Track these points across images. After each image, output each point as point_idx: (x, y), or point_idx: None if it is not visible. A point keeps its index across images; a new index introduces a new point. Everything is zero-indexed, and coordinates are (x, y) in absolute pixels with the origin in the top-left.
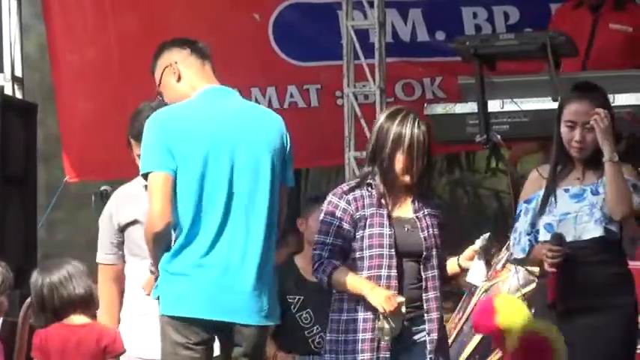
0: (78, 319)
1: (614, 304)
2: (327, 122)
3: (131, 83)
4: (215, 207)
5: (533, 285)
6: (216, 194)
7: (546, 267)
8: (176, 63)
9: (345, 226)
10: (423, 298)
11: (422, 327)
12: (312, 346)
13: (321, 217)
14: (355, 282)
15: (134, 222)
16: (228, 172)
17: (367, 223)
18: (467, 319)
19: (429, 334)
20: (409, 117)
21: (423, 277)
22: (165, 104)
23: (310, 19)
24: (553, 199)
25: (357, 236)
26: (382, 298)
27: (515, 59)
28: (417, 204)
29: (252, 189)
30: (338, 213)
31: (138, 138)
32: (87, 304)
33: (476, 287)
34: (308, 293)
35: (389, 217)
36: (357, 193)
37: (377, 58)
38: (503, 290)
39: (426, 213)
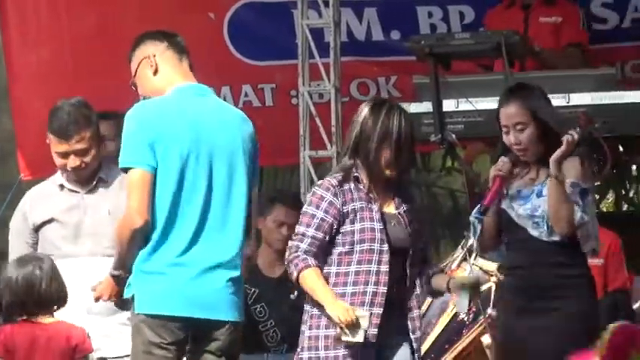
0: (45, 316)
1: (558, 307)
2: (282, 121)
3: (85, 82)
4: (193, 206)
5: (490, 284)
6: (195, 193)
7: (493, 173)
8: (154, 56)
9: (329, 219)
10: (407, 295)
11: (405, 324)
12: (265, 341)
13: (304, 209)
14: (320, 291)
15: (50, 220)
16: (207, 172)
17: (357, 217)
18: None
19: (412, 332)
20: (394, 110)
21: (408, 273)
22: (83, 103)
23: (265, 18)
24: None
25: (344, 230)
26: (340, 310)
27: (470, 59)
28: (397, 200)
29: (229, 189)
30: (323, 205)
31: (56, 134)
32: (61, 302)
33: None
34: (264, 288)
35: (380, 211)
36: (345, 186)
37: (332, 57)
38: None
39: (405, 209)
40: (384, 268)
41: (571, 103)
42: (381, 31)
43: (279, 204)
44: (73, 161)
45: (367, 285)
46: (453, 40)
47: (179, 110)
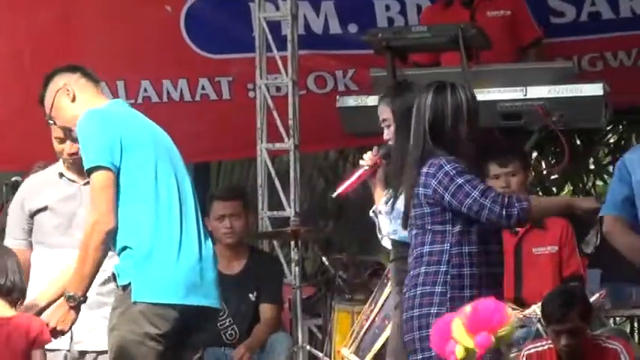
0: (5, 309)
1: None
2: (239, 114)
3: (43, 78)
4: (172, 207)
5: None
6: (170, 195)
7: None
8: (69, 84)
9: None
10: None
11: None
12: (225, 338)
13: (461, 180)
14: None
15: (44, 208)
16: (173, 172)
17: None
18: (379, 311)
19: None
20: (457, 87)
21: None
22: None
23: (222, 11)
24: None
25: None
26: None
27: (427, 51)
28: None
29: (188, 188)
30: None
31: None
32: (21, 294)
33: (388, 279)
34: (222, 286)
35: None
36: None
37: (289, 50)
38: None
39: None
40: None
41: (528, 97)
42: (338, 24)
43: (216, 200)
44: (70, 147)
45: None
46: (410, 34)
47: (127, 115)
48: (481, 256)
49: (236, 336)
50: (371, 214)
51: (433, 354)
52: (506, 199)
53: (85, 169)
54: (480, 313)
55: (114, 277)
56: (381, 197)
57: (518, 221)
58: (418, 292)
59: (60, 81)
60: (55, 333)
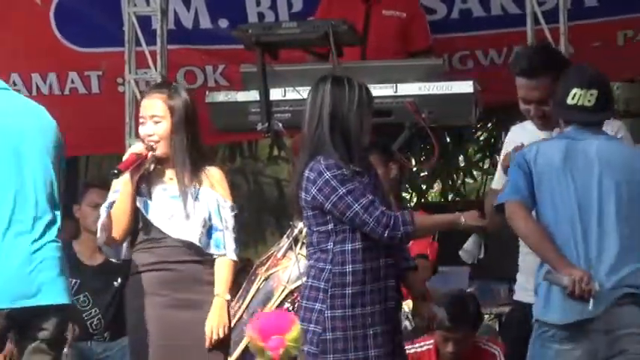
0: None
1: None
2: (108, 109)
3: None
4: (28, 200)
5: None
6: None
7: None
8: None
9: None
10: None
11: None
12: (90, 329)
13: (343, 190)
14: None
15: None
16: (12, 171)
17: None
18: (247, 307)
19: None
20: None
21: None
22: None
23: (92, 4)
24: None
25: None
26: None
27: (297, 47)
28: None
29: (34, 186)
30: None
31: None
32: None
33: (256, 275)
34: (85, 277)
35: None
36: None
37: (159, 45)
38: (283, 279)
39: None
40: None
41: (399, 93)
42: (209, 19)
43: (92, 187)
44: None
45: None
46: (280, 29)
47: None
48: (365, 252)
49: (101, 325)
50: None
51: (312, 349)
52: (391, 221)
53: None
54: (267, 322)
55: None
56: None
57: (400, 243)
58: (309, 284)
59: None
60: None
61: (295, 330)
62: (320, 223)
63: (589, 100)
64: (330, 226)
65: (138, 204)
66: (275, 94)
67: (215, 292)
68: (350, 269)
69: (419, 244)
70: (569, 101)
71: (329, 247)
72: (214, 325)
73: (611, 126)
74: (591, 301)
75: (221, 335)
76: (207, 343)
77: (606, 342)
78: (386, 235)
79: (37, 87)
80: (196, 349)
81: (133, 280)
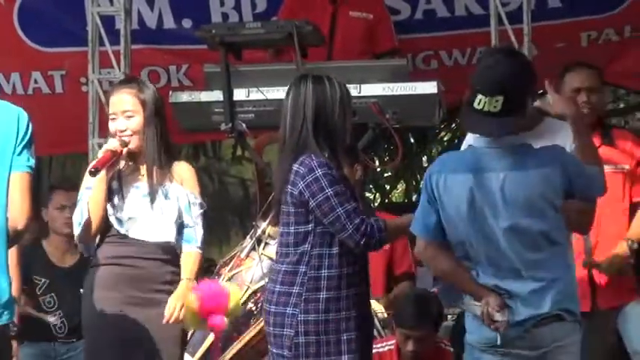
0: None
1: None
2: (72, 109)
3: None
4: None
5: None
6: None
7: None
8: None
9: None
10: None
11: None
12: (54, 331)
13: (331, 191)
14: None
15: None
16: None
17: None
18: None
19: None
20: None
21: None
22: None
23: (56, 4)
24: None
25: None
26: None
27: (261, 48)
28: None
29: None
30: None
31: None
32: None
33: (219, 275)
34: (54, 278)
35: None
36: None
37: (122, 44)
38: (246, 279)
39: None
40: None
41: (362, 94)
42: (172, 19)
43: (57, 190)
44: None
45: None
46: (244, 30)
47: None
48: (342, 257)
49: (65, 330)
50: None
51: (285, 352)
52: (368, 229)
53: None
54: (206, 298)
55: None
56: None
57: (373, 249)
58: (277, 289)
59: None
60: None
61: (233, 301)
62: (300, 222)
63: (494, 107)
64: (310, 227)
65: (109, 203)
66: (239, 94)
67: (182, 277)
68: (325, 274)
69: (406, 260)
70: (476, 105)
71: (306, 248)
72: (178, 304)
73: (567, 130)
74: (497, 334)
75: (180, 317)
76: (164, 320)
77: (536, 356)
78: (362, 242)
79: (1, 87)
80: (151, 347)
81: (92, 272)
